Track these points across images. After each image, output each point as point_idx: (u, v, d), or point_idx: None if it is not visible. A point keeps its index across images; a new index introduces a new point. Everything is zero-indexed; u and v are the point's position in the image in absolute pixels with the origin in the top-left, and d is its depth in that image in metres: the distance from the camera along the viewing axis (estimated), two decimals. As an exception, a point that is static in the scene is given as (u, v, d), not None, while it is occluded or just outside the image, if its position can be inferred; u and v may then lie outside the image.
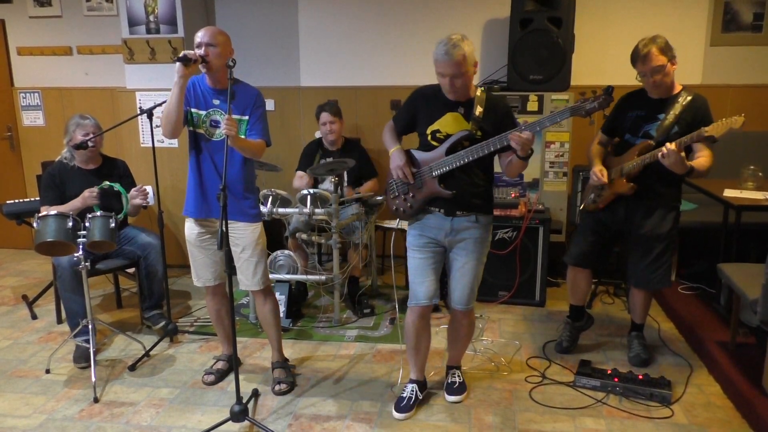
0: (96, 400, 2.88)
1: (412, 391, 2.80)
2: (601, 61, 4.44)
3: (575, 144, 4.12)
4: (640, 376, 2.87)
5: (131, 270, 3.73)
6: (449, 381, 2.91)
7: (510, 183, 4.18)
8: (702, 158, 2.80)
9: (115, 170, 3.61)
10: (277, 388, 2.94)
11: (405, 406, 2.74)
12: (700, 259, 4.15)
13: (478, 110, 2.51)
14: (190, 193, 2.82)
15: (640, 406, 2.76)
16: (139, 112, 3.74)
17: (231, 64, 2.54)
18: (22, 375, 3.16)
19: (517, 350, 3.35)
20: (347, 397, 2.90)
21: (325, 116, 4.07)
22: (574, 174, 4.23)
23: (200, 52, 2.59)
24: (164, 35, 4.41)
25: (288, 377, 2.99)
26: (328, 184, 3.97)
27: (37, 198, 3.75)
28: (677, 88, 2.89)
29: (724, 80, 4.38)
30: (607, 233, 3.12)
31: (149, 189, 3.43)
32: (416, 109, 2.62)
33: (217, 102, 2.73)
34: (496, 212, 3.55)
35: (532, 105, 4.09)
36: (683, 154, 2.71)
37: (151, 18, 4.39)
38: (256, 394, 2.90)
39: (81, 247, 2.89)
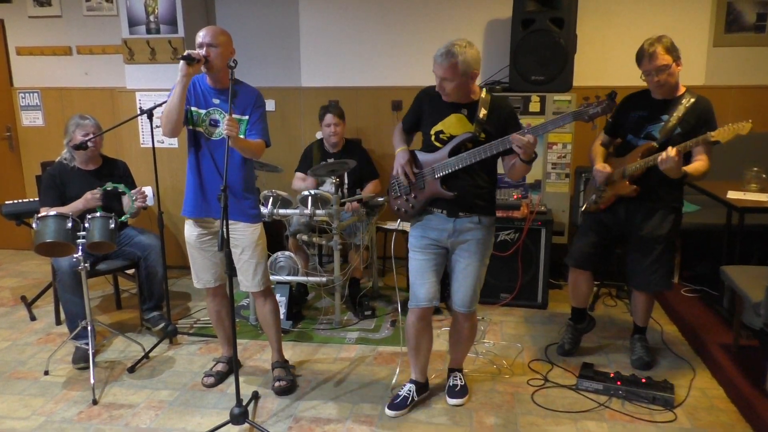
0: (95, 402, 2.87)
1: (409, 390, 2.79)
2: (603, 61, 4.43)
3: (577, 145, 4.11)
4: (643, 380, 2.86)
5: (131, 271, 3.71)
6: (451, 384, 2.90)
7: (512, 184, 4.16)
8: (698, 163, 2.78)
9: (115, 171, 3.59)
10: (277, 384, 2.92)
11: (398, 403, 2.73)
12: (703, 262, 4.14)
13: (482, 112, 2.49)
14: (188, 192, 2.81)
15: (643, 410, 2.74)
16: (139, 112, 3.73)
17: (232, 65, 2.53)
18: (21, 376, 3.15)
19: (519, 353, 3.33)
20: (348, 399, 2.88)
21: (329, 118, 4.05)
22: (577, 175, 4.21)
23: (201, 52, 2.58)
24: (164, 35, 4.39)
25: (288, 375, 2.98)
26: (328, 186, 3.95)
27: (37, 198, 3.74)
28: (681, 90, 2.87)
29: (727, 81, 4.36)
30: (609, 234, 3.10)
31: (148, 190, 3.41)
32: (421, 109, 2.62)
33: (217, 101, 2.72)
34: (498, 214, 3.53)
35: (534, 106, 4.08)
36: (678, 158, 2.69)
37: (151, 18, 4.38)
38: (256, 396, 2.88)
39: (80, 248, 2.87)
